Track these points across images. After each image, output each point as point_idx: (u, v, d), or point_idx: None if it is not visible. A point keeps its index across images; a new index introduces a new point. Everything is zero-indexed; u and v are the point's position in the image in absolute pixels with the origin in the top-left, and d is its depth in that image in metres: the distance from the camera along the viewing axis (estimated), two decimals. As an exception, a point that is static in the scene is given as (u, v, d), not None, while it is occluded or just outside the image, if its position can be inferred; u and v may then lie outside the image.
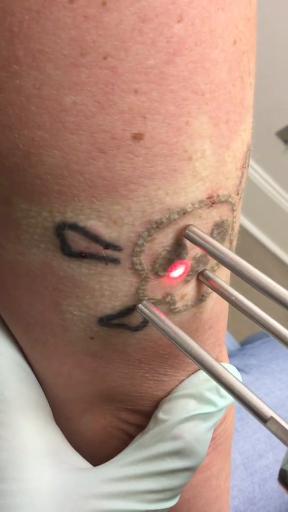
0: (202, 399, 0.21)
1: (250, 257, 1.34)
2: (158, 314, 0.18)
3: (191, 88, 0.14)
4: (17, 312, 0.20)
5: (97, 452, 0.23)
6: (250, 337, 0.64)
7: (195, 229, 0.17)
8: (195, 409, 0.21)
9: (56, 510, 0.19)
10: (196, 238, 0.17)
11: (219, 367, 0.17)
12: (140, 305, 0.18)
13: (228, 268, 0.16)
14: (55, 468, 0.20)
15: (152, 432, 0.21)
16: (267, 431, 0.41)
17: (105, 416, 0.23)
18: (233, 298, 0.18)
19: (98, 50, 0.13)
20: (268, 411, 0.15)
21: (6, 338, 0.22)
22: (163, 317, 0.18)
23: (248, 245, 1.32)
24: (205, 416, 0.21)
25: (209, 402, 0.21)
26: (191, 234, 0.17)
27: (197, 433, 0.21)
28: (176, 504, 0.22)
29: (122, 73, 0.13)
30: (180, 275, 0.18)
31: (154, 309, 0.18)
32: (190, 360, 0.21)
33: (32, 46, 0.13)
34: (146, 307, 0.18)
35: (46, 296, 0.18)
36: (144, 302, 0.18)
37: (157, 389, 0.22)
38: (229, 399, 0.22)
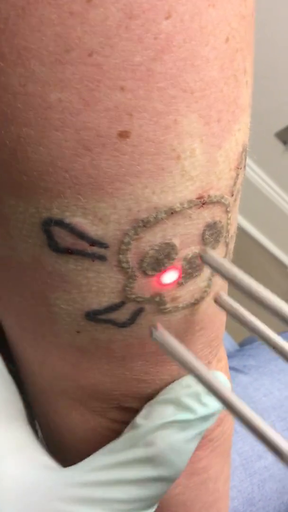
0: (180, 405, 0.20)
1: (249, 258, 1.34)
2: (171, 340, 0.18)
3: (179, 86, 0.14)
4: (9, 303, 0.20)
5: (87, 452, 0.23)
6: (249, 338, 0.64)
7: (212, 254, 0.17)
8: (171, 415, 0.20)
9: (18, 509, 0.19)
10: (213, 263, 0.17)
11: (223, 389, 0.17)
12: (155, 334, 0.18)
13: (241, 292, 0.17)
14: (20, 467, 0.20)
15: (125, 436, 0.20)
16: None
17: (94, 417, 0.23)
18: (251, 323, 0.18)
19: (83, 46, 0.13)
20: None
21: None
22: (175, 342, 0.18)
23: (247, 246, 1.32)
24: (183, 425, 0.20)
25: (187, 409, 0.20)
26: (207, 258, 0.17)
27: (172, 442, 0.20)
28: (173, 506, 0.22)
29: (108, 70, 0.13)
30: (173, 282, 0.18)
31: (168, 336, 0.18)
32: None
33: (17, 43, 0.13)
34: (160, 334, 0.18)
35: (36, 289, 0.18)
36: (159, 330, 0.19)
37: (139, 387, 0.21)
38: (211, 407, 0.21)
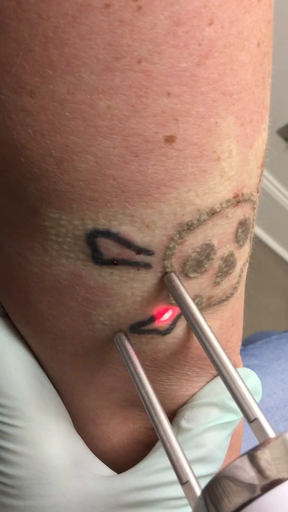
0: (224, 408, 0.21)
1: (251, 256, 1.33)
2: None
3: (220, 90, 0.15)
4: (43, 326, 0.19)
5: (121, 457, 0.24)
6: (251, 336, 0.64)
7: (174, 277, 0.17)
8: (218, 418, 0.21)
9: None
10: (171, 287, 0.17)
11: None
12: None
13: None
14: (81, 479, 0.20)
15: None
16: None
17: (135, 421, 0.23)
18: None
19: (133, 54, 0.13)
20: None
21: (21, 352, 0.21)
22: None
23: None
24: (226, 424, 0.21)
25: (231, 411, 0.21)
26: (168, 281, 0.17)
27: (218, 441, 0.21)
28: None
29: (156, 77, 0.13)
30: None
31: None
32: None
33: (67, 51, 0.13)
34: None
35: (75, 308, 0.18)
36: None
37: (181, 391, 0.22)
38: None
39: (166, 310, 0.18)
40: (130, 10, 0.12)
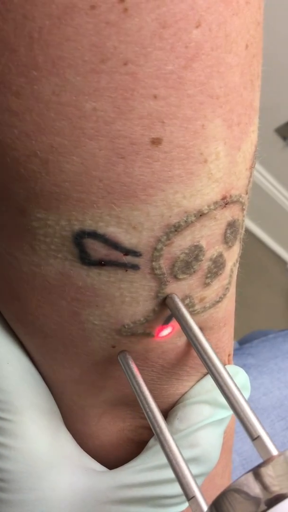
0: (216, 405, 0.22)
1: (248, 254, 1.34)
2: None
3: (207, 92, 0.15)
4: (33, 324, 0.19)
5: (110, 455, 0.24)
6: (248, 335, 0.64)
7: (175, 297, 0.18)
8: (210, 415, 0.21)
9: None
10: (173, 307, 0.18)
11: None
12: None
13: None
14: (71, 474, 0.21)
15: None
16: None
17: (125, 419, 0.23)
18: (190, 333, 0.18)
19: (119, 56, 0.13)
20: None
21: (14, 346, 0.21)
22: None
23: (247, 242, 1.32)
24: (218, 422, 0.21)
25: (223, 407, 0.21)
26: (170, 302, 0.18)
27: (212, 440, 0.21)
28: None
29: (142, 79, 0.13)
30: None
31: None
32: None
33: (52, 52, 0.13)
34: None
35: (65, 307, 0.18)
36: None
37: (173, 390, 0.22)
38: None
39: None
40: (116, 12, 0.12)
